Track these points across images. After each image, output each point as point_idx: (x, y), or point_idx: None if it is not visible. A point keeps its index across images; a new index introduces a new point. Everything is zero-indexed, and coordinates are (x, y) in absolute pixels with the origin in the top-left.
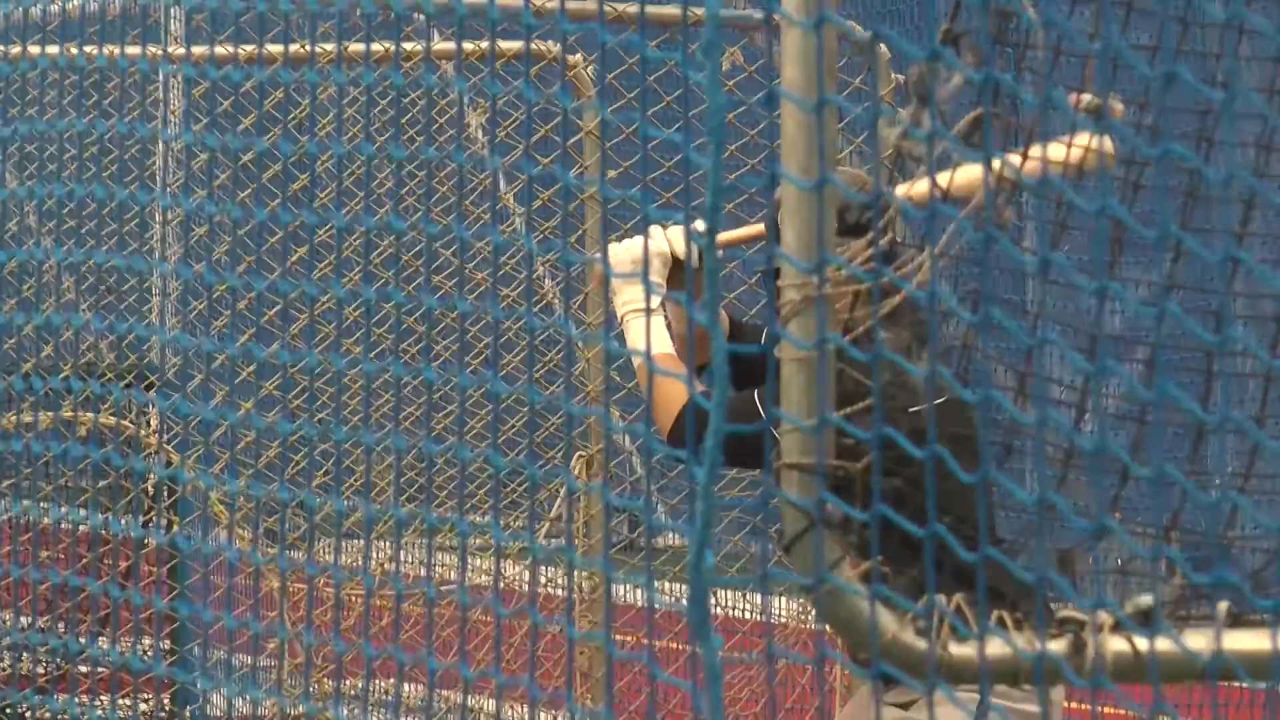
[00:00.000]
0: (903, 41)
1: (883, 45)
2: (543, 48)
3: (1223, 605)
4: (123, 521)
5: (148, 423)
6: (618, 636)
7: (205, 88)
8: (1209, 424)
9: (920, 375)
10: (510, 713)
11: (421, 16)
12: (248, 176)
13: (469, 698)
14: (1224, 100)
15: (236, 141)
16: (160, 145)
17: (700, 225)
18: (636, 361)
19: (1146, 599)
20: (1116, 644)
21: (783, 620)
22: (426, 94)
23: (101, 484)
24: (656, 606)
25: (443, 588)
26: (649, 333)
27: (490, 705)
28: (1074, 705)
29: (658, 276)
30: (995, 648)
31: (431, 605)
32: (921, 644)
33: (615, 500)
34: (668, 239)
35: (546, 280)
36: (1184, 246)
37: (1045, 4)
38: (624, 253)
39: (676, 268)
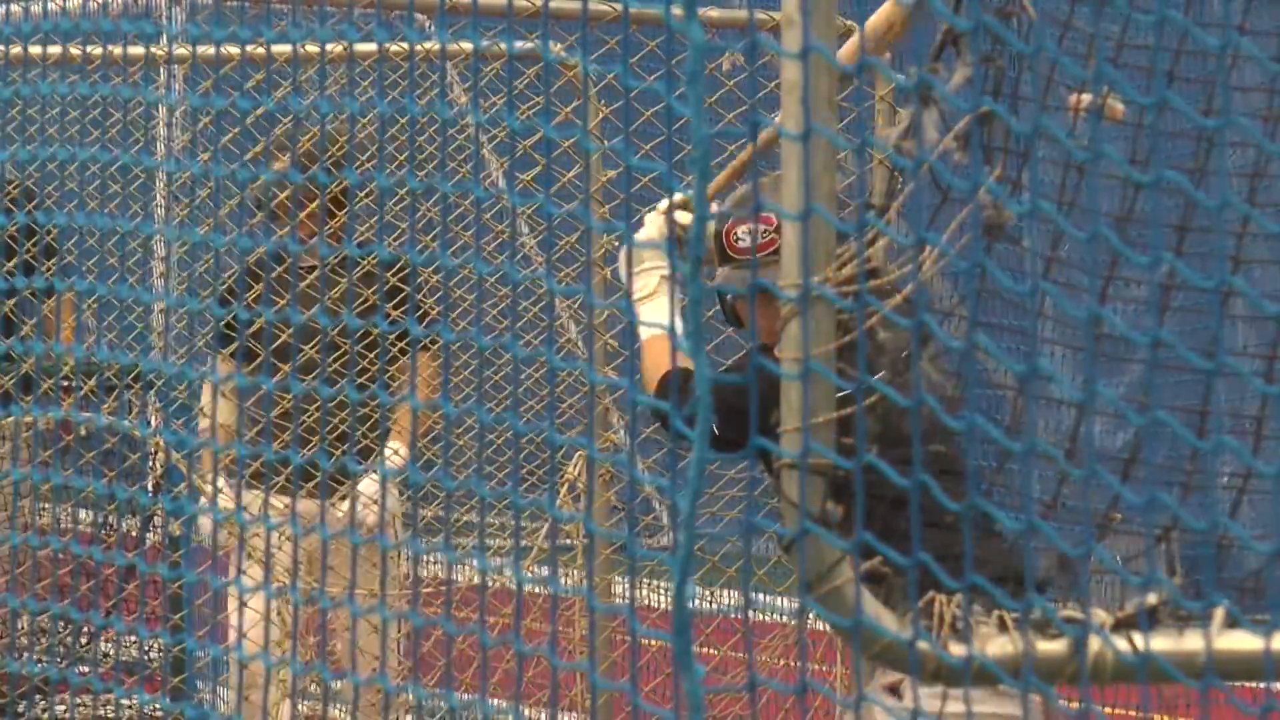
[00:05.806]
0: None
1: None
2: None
3: (1220, 607)
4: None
5: (147, 423)
6: (616, 635)
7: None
8: (1203, 449)
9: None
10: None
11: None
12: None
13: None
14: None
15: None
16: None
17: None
18: (645, 336)
19: (1147, 598)
20: (1116, 644)
21: (783, 620)
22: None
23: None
24: (653, 607)
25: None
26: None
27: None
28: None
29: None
30: (995, 648)
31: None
32: (922, 644)
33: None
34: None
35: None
36: (1185, 246)
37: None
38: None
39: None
